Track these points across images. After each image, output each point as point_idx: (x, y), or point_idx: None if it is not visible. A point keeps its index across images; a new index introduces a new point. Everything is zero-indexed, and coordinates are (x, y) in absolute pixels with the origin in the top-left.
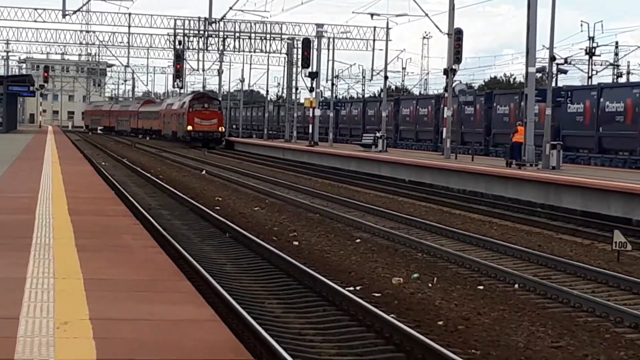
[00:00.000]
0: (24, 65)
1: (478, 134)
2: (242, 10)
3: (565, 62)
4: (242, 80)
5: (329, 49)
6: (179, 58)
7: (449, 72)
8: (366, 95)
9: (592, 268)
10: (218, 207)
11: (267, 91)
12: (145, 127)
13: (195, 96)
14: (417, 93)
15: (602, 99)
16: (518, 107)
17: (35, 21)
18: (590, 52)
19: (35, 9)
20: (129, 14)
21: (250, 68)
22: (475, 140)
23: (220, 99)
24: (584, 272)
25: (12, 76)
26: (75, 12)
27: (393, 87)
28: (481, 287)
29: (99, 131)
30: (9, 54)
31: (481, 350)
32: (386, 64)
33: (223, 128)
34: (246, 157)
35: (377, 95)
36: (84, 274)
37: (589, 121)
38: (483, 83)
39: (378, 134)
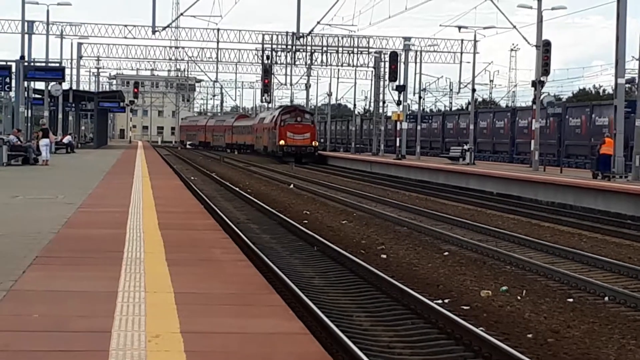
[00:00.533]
0: (114, 82)
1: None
2: (329, 25)
3: None
4: (330, 94)
5: (416, 62)
6: (266, 72)
7: (537, 85)
8: (453, 108)
9: None
10: (306, 221)
11: (355, 105)
12: (239, 141)
13: (286, 109)
14: (504, 105)
15: None
16: (589, 119)
17: (125, 37)
18: None
19: (126, 26)
20: (218, 30)
21: (338, 82)
22: (547, 151)
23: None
24: None
25: (103, 92)
26: (164, 28)
27: (480, 99)
28: (571, 300)
29: (187, 146)
30: (100, 70)
31: None
32: (474, 77)
33: (316, 142)
34: (333, 171)
35: (464, 107)
36: (175, 288)
37: None
38: (571, 95)
39: (465, 147)
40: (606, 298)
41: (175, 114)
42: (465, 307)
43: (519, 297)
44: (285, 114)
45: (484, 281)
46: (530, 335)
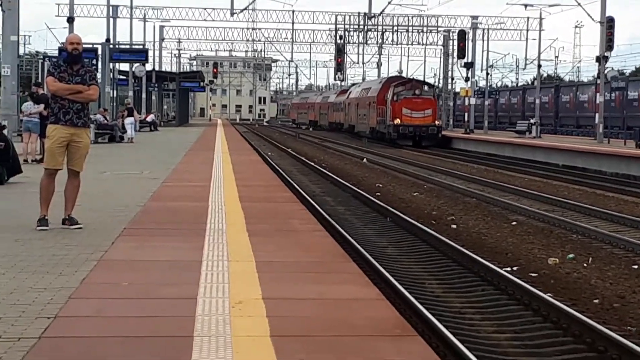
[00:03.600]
0: (194, 63)
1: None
2: (400, 5)
3: None
4: (400, 72)
5: (483, 40)
6: (340, 52)
7: (601, 60)
8: (520, 84)
9: None
10: (379, 193)
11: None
12: (337, 120)
13: (399, 80)
14: (568, 80)
15: None
16: None
17: (205, 20)
18: None
19: (205, 9)
20: (293, 12)
21: (408, 60)
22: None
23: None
24: None
25: (184, 73)
26: (242, 10)
27: (546, 75)
28: (636, 267)
29: (299, 126)
30: (181, 51)
31: (637, 327)
32: (539, 53)
33: (439, 121)
34: (402, 145)
35: (530, 83)
36: (256, 257)
37: None
38: (634, 69)
39: (532, 121)
40: None
41: (253, 93)
42: (533, 275)
43: (585, 265)
44: (399, 86)
45: (551, 249)
46: (596, 301)
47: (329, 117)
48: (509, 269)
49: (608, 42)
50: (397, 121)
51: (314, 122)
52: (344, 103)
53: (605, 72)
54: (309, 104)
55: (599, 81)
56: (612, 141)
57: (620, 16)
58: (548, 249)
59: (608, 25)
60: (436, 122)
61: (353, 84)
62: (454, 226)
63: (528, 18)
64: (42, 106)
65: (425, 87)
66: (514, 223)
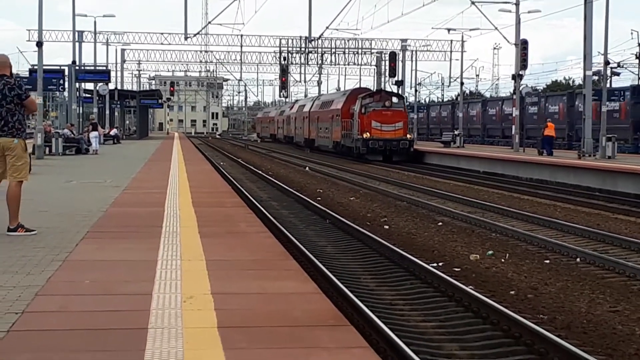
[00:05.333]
0: (153, 82)
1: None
2: (337, 29)
3: (618, 65)
4: (338, 90)
5: (412, 60)
6: (284, 72)
7: (517, 78)
8: (446, 99)
9: None
10: (319, 198)
11: None
12: (289, 135)
13: (367, 92)
14: (489, 96)
15: None
16: (566, 107)
17: (162, 44)
18: None
19: (162, 33)
20: (241, 36)
21: (345, 78)
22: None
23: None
24: (638, 246)
25: (144, 91)
26: (195, 35)
27: (468, 91)
28: (547, 262)
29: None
30: (140, 72)
31: (548, 315)
32: (462, 72)
33: (411, 134)
34: (371, 161)
35: (455, 98)
36: (206, 256)
37: None
38: (545, 86)
39: (456, 132)
40: (578, 259)
41: (206, 109)
42: (457, 269)
43: (502, 260)
44: (367, 98)
45: (473, 247)
46: (512, 292)
47: (285, 132)
48: (435, 264)
49: (522, 62)
50: (367, 135)
51: (273, 136)
52: (298, 117)
53: (521, 88)
54: (270, 118)
55: (514, 96)
56: (529, 150)
57: (533, 39)
58: (470, 246)
59: (522, 47)
60: (408, 136)
61: (312, 97)
62: (387, 227)
63: (451, 41)
64: None
65: (395, 99)
66: (440, 223)
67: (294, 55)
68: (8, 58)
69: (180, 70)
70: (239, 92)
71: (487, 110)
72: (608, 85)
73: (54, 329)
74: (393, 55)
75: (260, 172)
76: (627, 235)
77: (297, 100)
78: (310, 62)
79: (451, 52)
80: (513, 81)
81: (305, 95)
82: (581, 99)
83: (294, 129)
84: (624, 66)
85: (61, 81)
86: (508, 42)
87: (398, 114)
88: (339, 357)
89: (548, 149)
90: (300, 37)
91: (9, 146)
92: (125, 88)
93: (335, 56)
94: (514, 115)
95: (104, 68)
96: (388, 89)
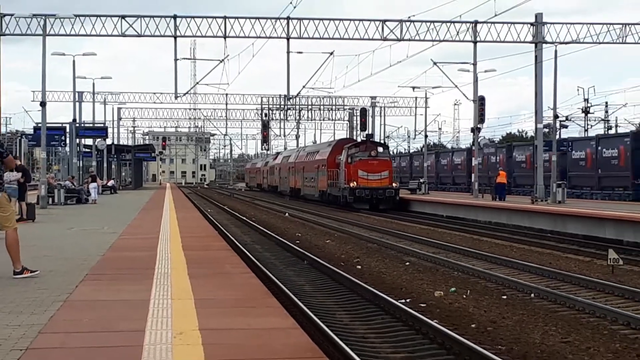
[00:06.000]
0: (147, 137)
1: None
2: (312, 88)
3: (567, 119)
4: (314, 142)
5: (381, 115)
6: (265, 127)
7: (475, 130)
8: (411, 151)
9: (592, 279)
10: (298, 241)
11: None
12: (273, 184)
13: (353, 142)
14: (450, 147)
15: (599, 147)
16: (533, 156)
17: (154, 102)
18: (586, 111)
19: (154, 93)
20: (226, 94)
21: (321, 132)
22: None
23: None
24: (586, 282)
25: (138, 146)
26: (184, 94)
27: (432, 143)
28: (505, 297)
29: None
30: (135, 128)
31: (506, 345)
32: (426, 126)
33: (397, 183)
34: (358, 209)
35: (420, 149)
36: (195, 295)
37: (590, 165)
38: (501, 138)
39: (421, 180)
40: (532, 295)
41: (195, 161)
42: (422, 305)
43: (464, 296)
44: (352, 148)
45: (437, 284)
46: (473, 325)
47: (269, 181)
48: (403, 300)
49: (480, 116)
50: (354, 184)
51: (259, 185)
52: (282, 167)
53: (479, 140)
54: (256, 169)
55: (473, 147)
56: (486, 195)
57: (489, 95)
58: (435, 284)
59: (480, 103)
60: (393, 184)
61: (295, 148)
62: (359, 267)
63: (416, 97)
64: (19, 174)
65: (380, 149)
66: (407, 263)
67: (274, 111)
68: None
69: (171, 126)
70: (224, 146)
71: (439, 161)
72: (558, 136)
73: None
74: (364, 111)
75: (244, 218)
76: (576, 272)
77: (279, 153)
78: (289, 118)
79: (416, 107)
80: (472, 133)
81: (285, 148)
82: (519, 150)
83: (279, 179)
84: (572, 119)
85: (63, 137)
86: (467, 98)
87: (384, 163)
88: None
89: (501, 195)
90: (280, 95)
91: None
92: (121, 143)
93: (311, 112)
94: (474, 164)
95: (102, 125)
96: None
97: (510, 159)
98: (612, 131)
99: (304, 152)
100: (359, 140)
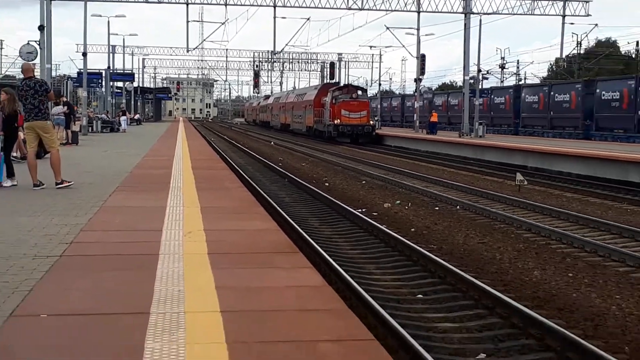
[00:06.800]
0: (165, 82)
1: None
2: (293, 45)
3: (487, 72)
4: (294, 89)
5: (346, 68)
6: (256, 75)
7: (417, 81)
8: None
9: (503, 195)
10: (280, 164)
11: None
12: (265, 120)
13: (337, 86)
14: (398, 93)
15: (552, 92)
16: (447, 102)
17: (170, 55)
18: (502, 67)
19: (171, 47)
20: (226, 49)
21: (299, 81)
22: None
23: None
24: (499, 198)
25: (158, 88)
26: (194, 49)
27: (384, 90)
28: (437, 208)
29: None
30: (156, 74)
31: (437, 245)
32: (380, 76)
33: (373, 121)
34: (341, 142)
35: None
36: (201, 204)
37: (542, 107)
38: (437, 86)
39: (376, 118)
40: (458, 207)
41: (202, 101)
42: (374, 213)
43: (406, 207)
44: (336, 91)
45: (386, 198)
46: (413, 229)
47: (262, 118)
48: (360, 210)
49: (421, 69)
50: (337, 121)
51: (254, 120)
52: (274, 106)
53: (420, 88)
54: (252, 107)
55: (416, 94)
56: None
57: (429, 53)
58: (384, 197)
59: (421, 59)
60: (370, 122)
61: (285, 91)
62: (327, 184)
63: (372, 54)
64: (65, 107)
65: (360, 92)
66: (364, 182)
67: (264, 63)
68: (31, 65)
69: (183, 73)
70: (225, 89)
71: (391, 103)
72: (480, 86)
73: (93, 254)
74: (332, 65)
75: (239, 145)
76: (492, 190)
77: (269, 95)
78: (274, 69)
79: (372, 62)
80: (415, 83)
81: (272, 92)
82: (455, 96)
83: (271, 116)
84: (491, 73)
85: (100, 80)
86: (412, 55)
87: (363, 104)
88: (291, 275)
89: (433, 131)
90: (268, 51)
91: (44, 126)
92: (145, 85)
93: (292, 64)
94: (415, 107)
95: (130, 72)
96: None
97: (447, 103)
98: (523, 82)
99: (293, 94)
100: (342, 84)
